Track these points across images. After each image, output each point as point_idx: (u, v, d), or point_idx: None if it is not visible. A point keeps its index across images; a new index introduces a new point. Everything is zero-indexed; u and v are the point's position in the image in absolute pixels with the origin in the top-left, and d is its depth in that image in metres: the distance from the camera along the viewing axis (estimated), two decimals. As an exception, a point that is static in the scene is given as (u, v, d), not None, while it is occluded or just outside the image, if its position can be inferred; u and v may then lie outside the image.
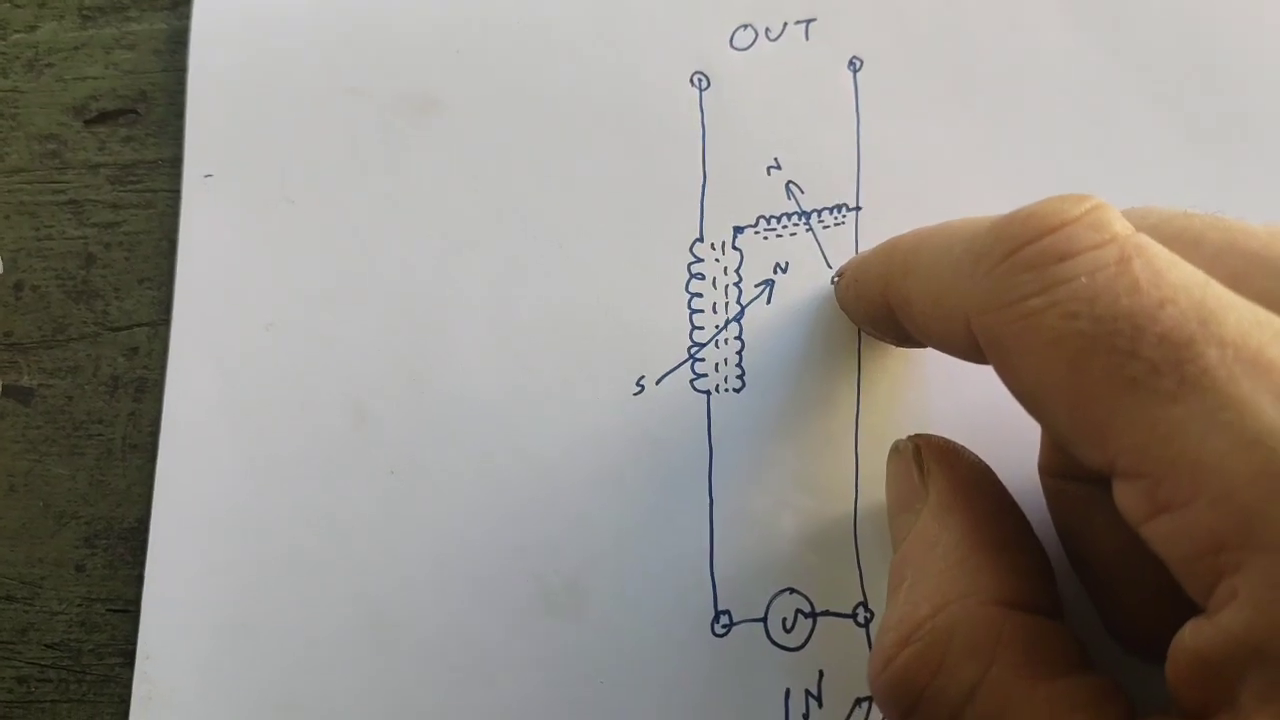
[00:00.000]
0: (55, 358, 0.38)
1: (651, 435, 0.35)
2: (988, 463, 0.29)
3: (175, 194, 0.39)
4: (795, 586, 0.34)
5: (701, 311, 0.36)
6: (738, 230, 0.37)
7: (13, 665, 0.36)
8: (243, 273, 0.38)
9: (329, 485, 0.36)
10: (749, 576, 0.34)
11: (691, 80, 0.38)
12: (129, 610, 0.36)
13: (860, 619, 0.33)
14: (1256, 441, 0.19)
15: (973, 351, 0.25)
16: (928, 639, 0.25)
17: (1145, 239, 0.22)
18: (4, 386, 0.38)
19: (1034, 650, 0.24)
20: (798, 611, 0.34)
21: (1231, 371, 0.20)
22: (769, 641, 0.33)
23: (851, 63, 0.38)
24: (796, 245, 0.36)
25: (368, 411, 0.36)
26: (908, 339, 0.31)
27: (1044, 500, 0.30)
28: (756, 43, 0.38)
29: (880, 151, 0.37)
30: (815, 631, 0.33)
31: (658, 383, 0.36)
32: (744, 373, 0.35)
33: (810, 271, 0.36)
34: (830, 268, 0.36)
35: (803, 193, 0.37)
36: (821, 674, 0.33)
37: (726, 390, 0.35)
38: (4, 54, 0.41)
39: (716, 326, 0.36)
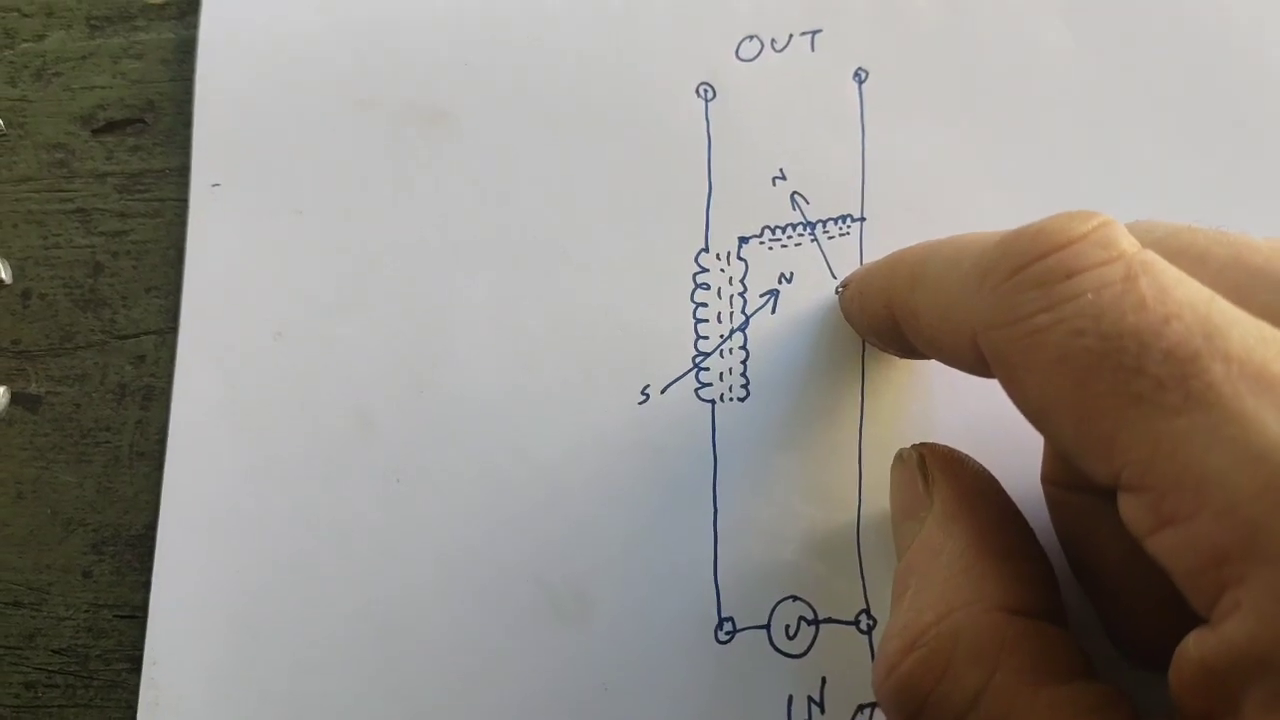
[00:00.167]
0: (63, 365, 0.39)
1: (656, 444, 0.35)
2: (991, 473, 0.29)
3: (183, 203, 0.39)
4: (798, 594, 0.34)
5: (706, 321, 0.36)
6: (743, 240, 0.37)
7: (20, 671, 0.36)
8: (249, 281, 0.38)
9: (335, 492, 0.36)
10: (752, 584, 0.34)
11: (697, 91, 0.38)
12: (136, 616, 0.36)
13: (863, 626, 0.34)
14: (1261, 456, 0.19)
15: (978, 366, 0.25)
16: (932, 645, 0.25)
17: (1151, 256, 0.22)
18: (12, 394, 0.38)
19: (1038, 656, 0.24)
20: (801, 619, 0.34)
21: (1236, 387, 0.20)
22: (772, 648, 0.34)
23: (856, 74, 0.38)
24: (801, 255, 0.36)
25: (373, 419, 0.37)
26: (912, 351, 0.31)
27: (1046, 510, 0.30)
28: (762, 54, 0.38)
29: (885, 162, 0.37)
30: (818, 639, 0.34)
31: (662, 392, 0.36)
32: (748, 382, 0.36)
33: (815, 282, 0.36)
34: (835, 278, 0.36)
35: (808, 203, 0.37)
36: (824, 681, 0.33)
37: (731, 400, 0.35)
38: (12, 63, 0.42)
39: (721, 336, 0.36)
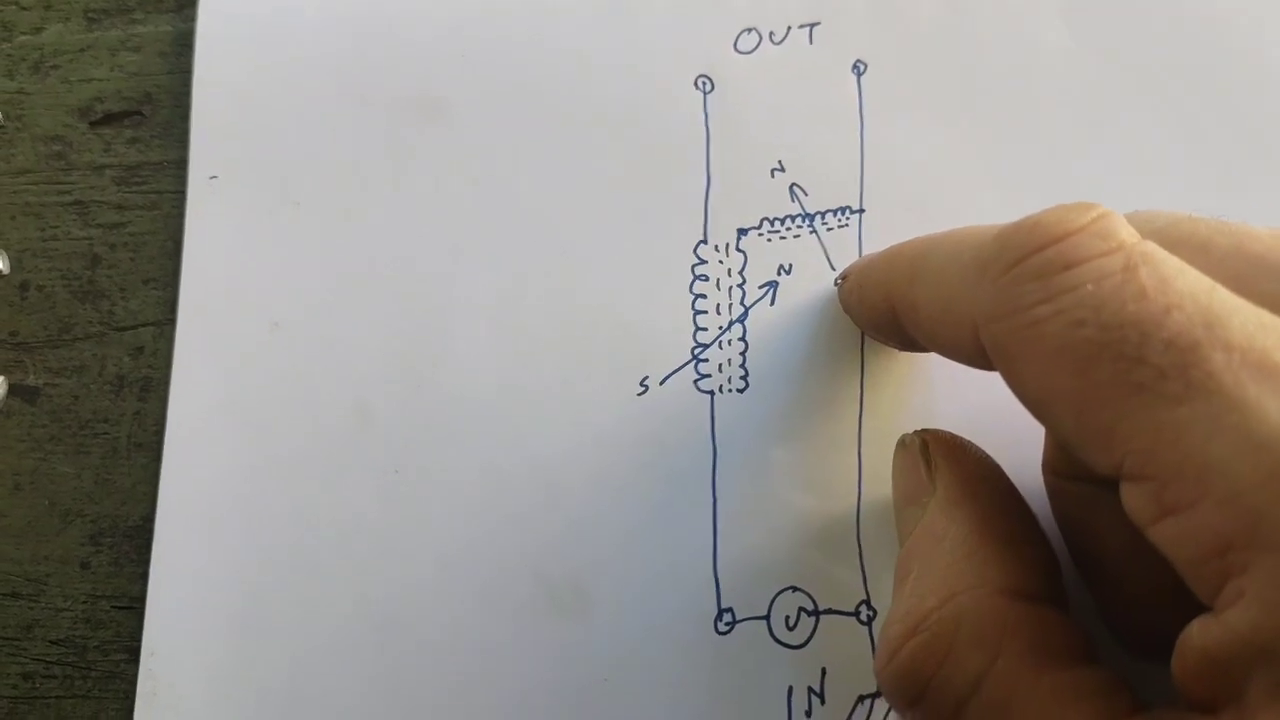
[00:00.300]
0: (61, 357, 0.39)
1: (655, 435, 0.35)
2: (993, 458, 0.29)
3: (180, 195, 0.39)
4: (798, 585, 0.34)
5: (705, 313, 0.36)
6: (741, 232, 0.37)
7: (18, 662, 0.36)
8: (247, 273, 0.38)
9: (333, 484, 0.36)
10: (752, 575, 0.34)
11: (696, 83, 0.38)
12: (134, 607, 0.36)
13: (863, 617, 0.34)
14: (1263, 444, 0.19)
15: (979, 358, 0.26)
16: (934, 630, 0.25)
17: (1151, 246, 0.22)
18: (10, 386, 0.38)
19: (1041, 641, 0.24)
20: (800, 610, 0.34)
21: (1238, 376, 0.20)
22: (772, 639, 0.34)
23: (855, 66, 0.38)
24: (800, 247, 0.37)
25: (372, 411, 0.37)
26: (910, 343, 0.31)
27: (1047, 500, 0.30)
28: (760, 46, 0.38)
29: (883, 154, 0.37)
30: (818, 629, 0.34)
31: (661, 383, 0.36)
32: (747, 374, 0.36)
33: (814, 273, 0.36)
34: (834, 270, 0.36)
35: (806, 195, 0.37)
36: (824, 672, 0.33)
37: (730, 391, 0.36)
38: (10, 56, 0.42)
39: (720, 328, 0.36)
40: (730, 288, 0.36)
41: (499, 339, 0.37)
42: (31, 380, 0.38)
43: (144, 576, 0.36)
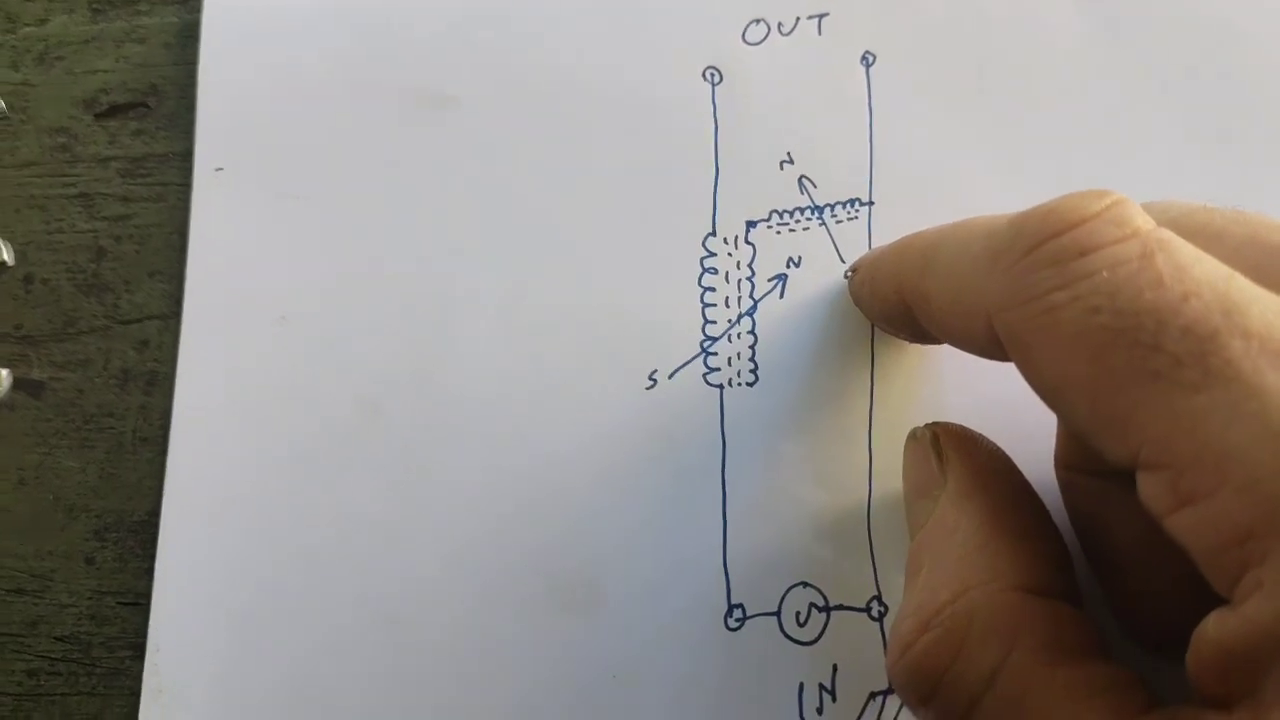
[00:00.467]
0: (66, 351, 0.38)
1: (664, 429, 0.35)
2: (1005, 452, 0.29)
3: (186, 187, 0.39)
4: (809, 580, 0.34)
5: (714, 306, 0.36)
6: (750, 225, 0.37)
7: (23, 658, 0.36)
8: (253, 267, 0.38)
9: (338, 479, 0.36)
10: (762, 570, 0.34)
11: (704, 75, 0.38)
12: (139, 603, 0.36)
13: (874, 613, 0.33)
14: None
15: (993, 348, 0.25)
16: (947, 624, 0.25)
17: (1167, 233, 0.22)
18: (15, 379, 0.38)
19: (1054, 636, 0.24)
20: (811, 605, 0.34)
21: (1256, 363, 0.20)
22: (782, 635, 0.33)
23: (864, 57, 0.38)
24: (809, 240, 0.36)
25: (378, 406, 0.36)
26: (922, 335, 0.31)
27: (1059, 494, 0.30)
28: (769, 37, 0.38)
29: (892, 146, 0.37)
30: (829, 625, 0.33)
31: (670, 377, 0.36)
32: (757, 367, 0.35)
33: (823, 266, 0.36)
34: (843, 262, 0.36)
35: (815, 187, 0.37)
36: (835, 668, 0.33)
37: (739, 384, 0.35)
38: (14, 47, 0.41)
39: (729, 321, 0.36)
40: (739, 281, 0.36)
41: (506, 332, 0.37)
42: (36, 374, 0.38)
43: (149, 572, 0.36)
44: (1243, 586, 0.20)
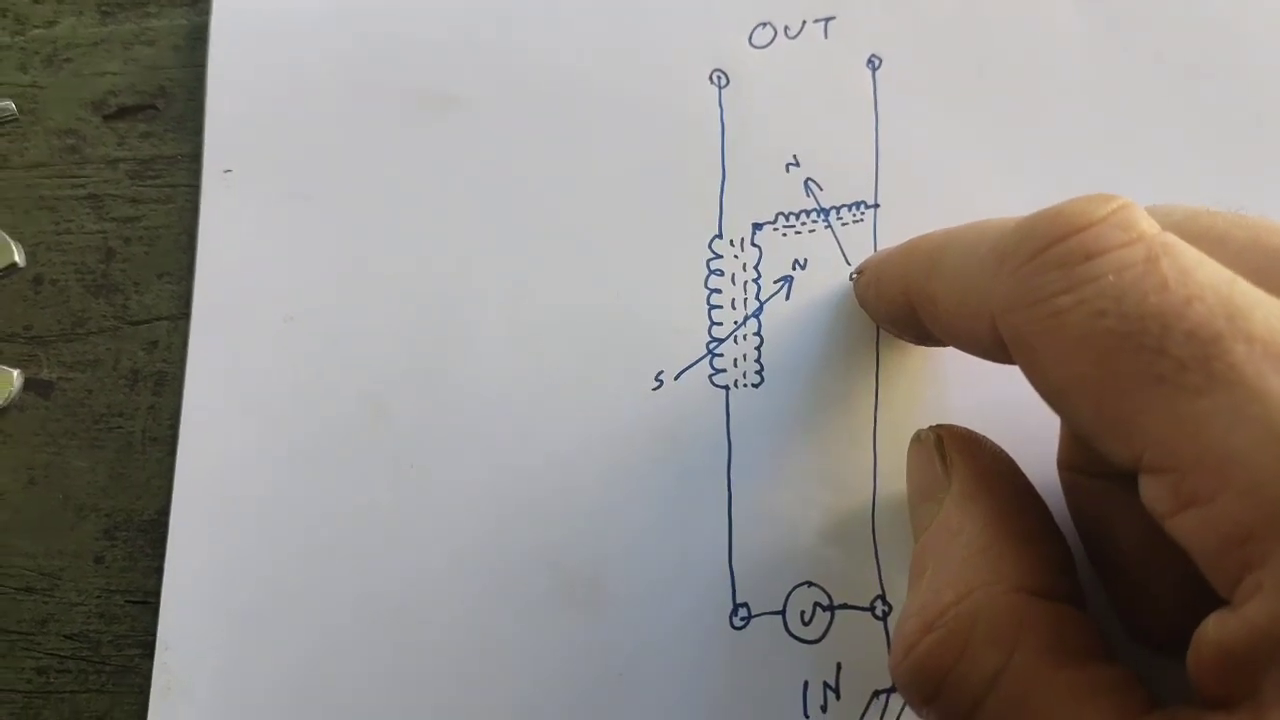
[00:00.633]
0: (75, 351, 0.39)
1: (670, 430, 0.35)
2: (1009, 454, 0.29)
3: (194, 189, 0.39)
4: (813, 580, 0.34)
5: (720, 307, 0.36)
6: (757, 227, 0.37)
7: (33, 656, 0.36)
8: (262, 267, 0.38)
9: (347, 478, 0.36)
10: (767, 570, 0.34)
11: (711, 78, 0.38)
12: (148, 602, 0.36)
13: (878, 612, 0.34)
14: None
15: (997, 351, 0.25)
16: (950, 626, 0.25)
17: (1172, 238, 0.22)
18: (24, 380, 0.38)
19: (1057, 638, 0.24)
20: (816, 604, 0.34)
21: (1259, 367, 0.20)
22: (787, 634, 0.34)
23: (870, 61, 0.38)
24: (815, 242, 0.36)
25: (385, 405, 0.37)
26: (927, 337, 0.31)
27: (1062, 496, 0.30)
28: (775, 40, 0.38)
29: (899, 149, 0.37)
30: (833, 624, 0.34)
31: (676, 378, 0.36)
32: (763, 368, 0.36)
33: (829, 268, 0.36)
34: (849, 264, 0.36)
35: (821, 190, 0.37)
36: (840, 667, 0.33)
37: (745, 386, 0.35)
38: (23, 49, 0.42)
39: (735, 322, 0.36)
40: (745, 283, 0.36)
41: (512, 333, 0.37)
42: (46, 374, 0.38)
43: (158, 571, 0.36)
44: (1243, 588, 0.20)
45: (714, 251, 0.37)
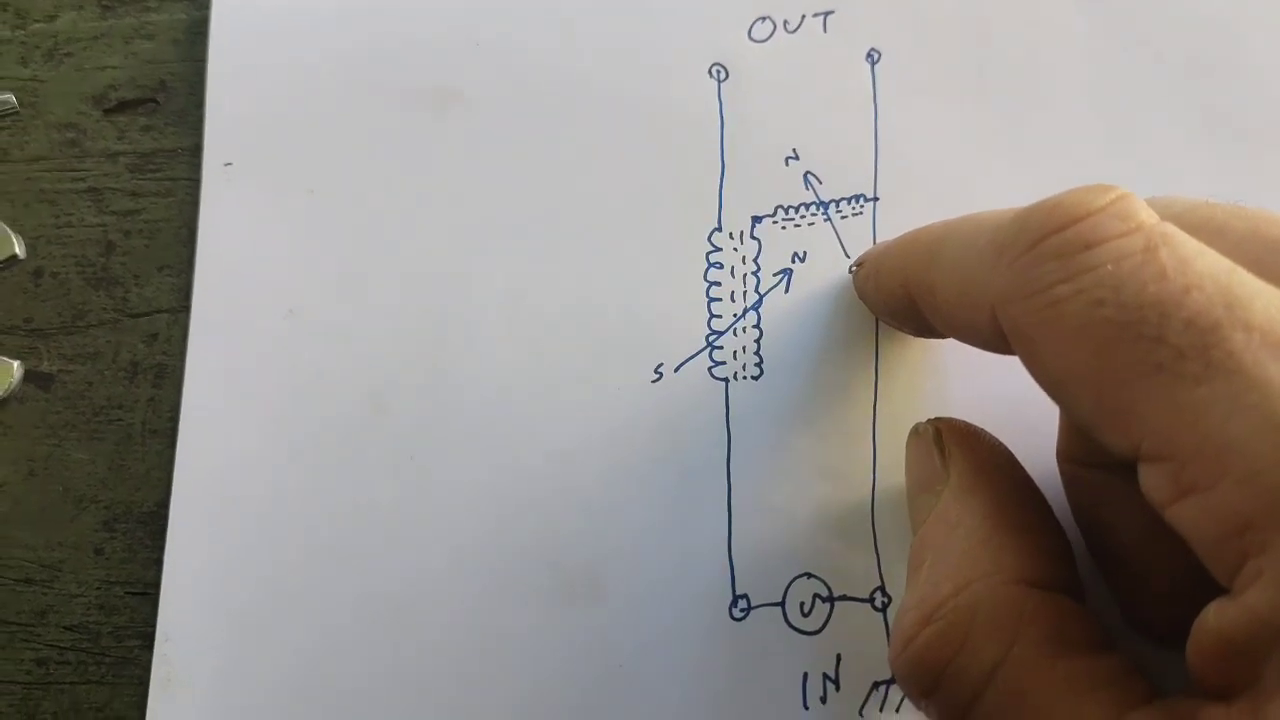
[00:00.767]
0: (75, 344, 0.39)
1: (670, 423, 0.35)
2: (1007, 446, 0.29)
3: (195, 182, 0.39)
4: (813, 571, 0.34)
5: (720, 300, 0.36)
6: (756, 220, 0.37)
7: (32, 647, 0.36)
8: (262, 261, 0.38)
9: (347, 472, 0.36)
10: (767, 561, 0.34)
11: (710, 72, 0.38)
12: (148, 593, 0.36)
13: (878, 604, 0.34)
14: None
15: (997, 342, 0.25)
16: (949, 618, 0.25)
17: (1170, 227, 0.22)
18: (24, 372, 0.38)
19: (1056, 629, 0.24)
20: (815, 596, 0.34)
21: (1258, 355, 0.20)
22: (787, 626, 0.34)
23: (869, 55, 0.38)
24: (814, 235, 0.37)
25: (386, 399, 0.37)
26: (926, 329, 0.31)
27: (1062, 488, 0.30)
28: (775, 34, 0.38)
29: (897, 143, 0.37)
30: (833, 616, 0.34)
31: (676, 370, 0.36)
32: (762, 361, 0.36)
33: (828, 261, 0.36)
34: (848, 257, 0.36)
35: (821, 183, 0.37)
36: (839, 658, 0.33)
37: (744, 378, 0.36)
38: (24, 43, 0.42)
39: (735, 315, 0.36)
40: (744, 275, 0.36)
41: (513, 327, 0.37)
42: (46, 367, 0.38)
43: (158, 562, 0.36)
44: (1243, 576, 0.20)
45: (713, 244, 0.37)
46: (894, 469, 0.34)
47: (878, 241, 0.36)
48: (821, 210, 0.37)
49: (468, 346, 0.37)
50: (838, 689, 0.33)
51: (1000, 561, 0.25)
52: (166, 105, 0.41)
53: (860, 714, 0.33)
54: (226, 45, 0.40)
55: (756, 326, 0.36)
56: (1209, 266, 0.21)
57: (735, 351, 0.36)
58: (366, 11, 0.40)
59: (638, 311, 0.36)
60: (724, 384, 0.36)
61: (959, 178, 0.37)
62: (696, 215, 0.37)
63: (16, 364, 0.38)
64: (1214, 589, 0.21)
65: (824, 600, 0.34)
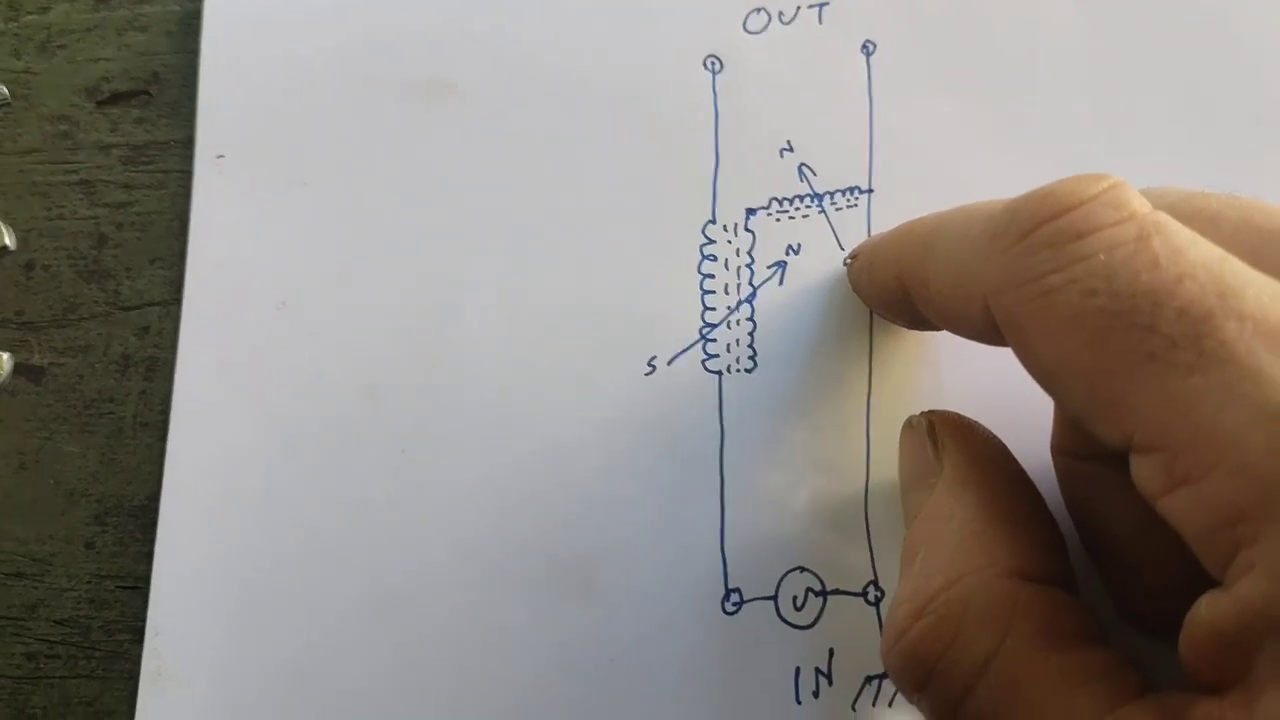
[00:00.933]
0: (66, 337, 0.39)
1: (663, 416, 0.35)
2: (1000, 439, 0.29)
3: (187, 175, 0.39)
4: (806, 565, 0.34)
5: (713, 293, 0.36)
6: (750, 212, 0.37)
7: (22, 641, 0.36)
8: (254, 253, 0.38)
9: (340, 465, 0.36)
10: (760, 555, 0.34)
11: (705, 63, 0.38)
12: (138, 587, 0.36)
13: (870, 598, 0.34)
14: (1276, 414, 0.19)
15: (990, 333, 0.25)
16: (942, 611, 0.25)
17: (1163, 216, 0.22)
18: (15, 365, 0.38)
19: (1049, 622, 0.24)
20: (808, 590, 0.34)
21: (1251, 345, 0.20)
22: (779, 620, 0.34)
23: (864, 46, 0.38)
24: (809, 227, 0.36)
25: (379, 392, 0.36)
26: (920, 322, 0.31)
27: (1055, 480, 0.30)
28: (770, 26, 0.38)
29: (892, 134, 0.37)
30: (825, 610, 0.33)
31: (669, 363, 0.36)
32: (756, 353, 0.35)
33: (822, 253, 0.36)
34: (842, 250, 0.36)
35: (815, 175, 0.37)
36: (832, 652, 0.33)
37: (738, 371, 0.35)
38: (17, 35, 0.42)
39: (728, 307, 0.36)
40: (739, 268, 0.36)
41: (507, 319, 0.37)
42: (37, 360, 0.38)
43: (149, 556, 0.36)
44: (1235, 568, 0.20)
45: (707, 237, 0.37)
46: (888, 462, 0.34)
47: (872, 234, 0.36)
48: (816, 202, 0.37)
49: (461, 339, 0.37)
50: (830, 683, 0.33)
51: (993, 554, 0.25)
52: (159, 97, 0.41)
53: (853, 708, 0.33)
54: (219, 37, 0.40)
55: (750, 319, 0.36)
56: (1201, 255, 0.21)
57: (729, 344, 0.36)
58: (359, 3, 0.40)
59: (631, 304, 0.36)
60: (718, 376, 0.35)
61: (954, 170, 0.37)
62: (690, 207, 0.37)
63: (7, 356, 0.38)
64: (1207, 581, 0.21)
65: (817, 594, 0.34)
